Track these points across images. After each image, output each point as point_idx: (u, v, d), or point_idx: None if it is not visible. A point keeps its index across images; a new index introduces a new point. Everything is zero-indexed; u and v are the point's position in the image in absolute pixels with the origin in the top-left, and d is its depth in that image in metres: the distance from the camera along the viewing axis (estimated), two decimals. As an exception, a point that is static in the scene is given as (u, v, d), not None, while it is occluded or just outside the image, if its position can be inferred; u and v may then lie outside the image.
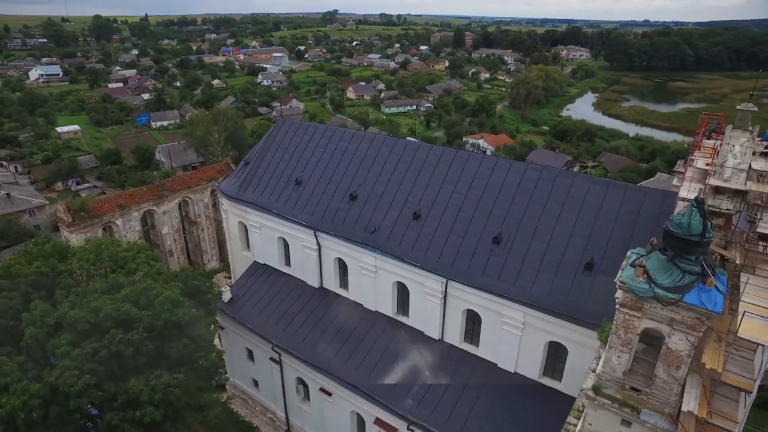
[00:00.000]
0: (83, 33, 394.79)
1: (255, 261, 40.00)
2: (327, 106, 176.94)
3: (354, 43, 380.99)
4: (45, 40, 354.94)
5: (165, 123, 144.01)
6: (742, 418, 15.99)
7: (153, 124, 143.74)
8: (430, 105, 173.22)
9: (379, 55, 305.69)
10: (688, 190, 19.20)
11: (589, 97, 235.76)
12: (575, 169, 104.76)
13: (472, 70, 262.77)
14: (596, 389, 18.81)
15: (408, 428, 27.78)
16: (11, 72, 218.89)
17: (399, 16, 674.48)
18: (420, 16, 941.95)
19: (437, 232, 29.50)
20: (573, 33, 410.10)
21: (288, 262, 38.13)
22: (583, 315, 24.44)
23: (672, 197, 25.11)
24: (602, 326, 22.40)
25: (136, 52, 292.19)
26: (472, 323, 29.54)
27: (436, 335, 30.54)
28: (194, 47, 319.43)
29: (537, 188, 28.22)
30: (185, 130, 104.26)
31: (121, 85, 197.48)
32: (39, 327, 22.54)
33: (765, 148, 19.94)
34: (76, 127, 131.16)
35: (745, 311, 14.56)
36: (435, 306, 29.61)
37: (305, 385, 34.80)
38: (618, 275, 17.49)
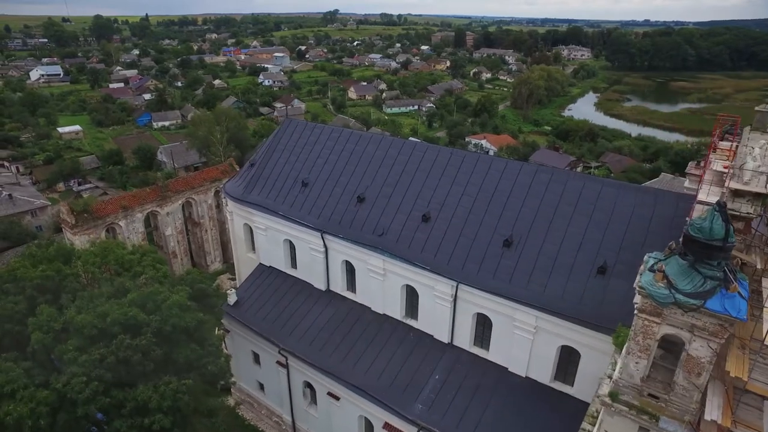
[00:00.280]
0: (84, 33, 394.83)
1: (260, 263, 39.67)
2: (329, 106, 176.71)
3: (355, 43, 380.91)
4: (46, 40, 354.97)
5: (166, 123, 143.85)
6: (767, 428, 15.66)
7: (154, 124, 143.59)
8: (431, 105, 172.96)
9: (380, 55, 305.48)
10: (707, 194, 18.87)
11: (591, 97, 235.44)
12: (578, 169, 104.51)
13: (474, 70, 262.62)
14: (613, 396, 18.48)
15: (417, 433, 27.46)
16: (12, 72, 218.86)
17: (399, 16, 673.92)
18: (420, 15, 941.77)
19: (447, 235, 29.15)
20: (574, 33, 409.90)
21: (294, 265, 37.80)
22: (596, 319, 24.11)
23: (686, 200, 24.79)
24: (617, 331, 22.10)
25: (137, 52, 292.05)
26: (482, 327, 29.21)
27: (445, 339, 30.20)
28: (195, 47, 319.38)
29: (548, 190, 27.88)
30: (187, 131, 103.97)
31: (122, 85, 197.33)
32: (45, 332, 22.24)
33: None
34: (77, 127, 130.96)
35: (770, 318, 14.22)
36: (445, 309, 29.27)
37: (312, 389, 34.48)
38: (636, 280, 17.16)
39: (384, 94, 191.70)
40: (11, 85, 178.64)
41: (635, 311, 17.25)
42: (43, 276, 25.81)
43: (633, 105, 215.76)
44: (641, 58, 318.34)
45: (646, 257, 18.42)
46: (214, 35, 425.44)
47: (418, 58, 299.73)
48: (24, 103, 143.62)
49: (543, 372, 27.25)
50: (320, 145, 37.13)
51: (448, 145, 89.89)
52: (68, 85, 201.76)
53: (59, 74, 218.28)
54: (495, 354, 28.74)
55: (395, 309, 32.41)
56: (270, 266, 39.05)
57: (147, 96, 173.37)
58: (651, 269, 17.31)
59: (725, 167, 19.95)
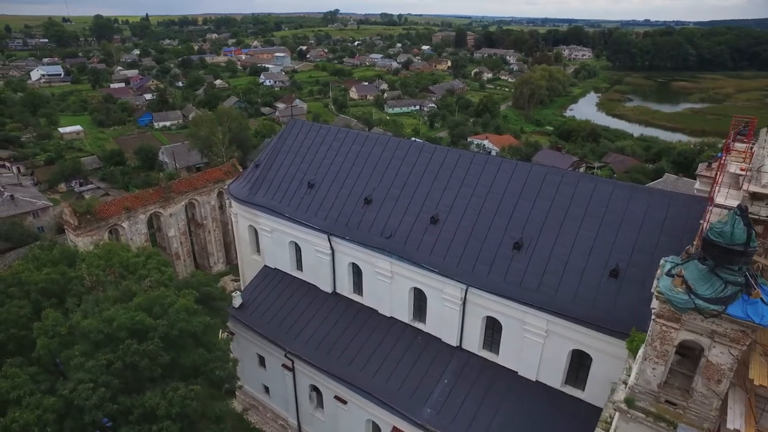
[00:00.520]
0: (84, 33, 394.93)
1: (265, 265, 39.33)
2: (330, 106, 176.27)
3: (356, 43, 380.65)
4: (46, 40, 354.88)
5: (168, 123, 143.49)
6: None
7: (155, 124, 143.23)
8: (433, 105, 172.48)
9: (381, 55, 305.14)
10: (725, 197, 18.52)
11: (592, 97, 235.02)
12: (581, 169, 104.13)
13: (475, 70, 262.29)
14: (629, 402, 18.17)
15: (426, 438, 27.15)
16: (13, 72, 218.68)
17: (400, 16, 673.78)
18: (420, 15, 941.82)
19: (456, 237, 28.82)
20: (575, 33, 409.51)
21: (300, 267, 37.48)
22: (609, 323, 23.81)
23: (699, 202, 24.46)
24: (631, 335, 21.80)
25: (138, 52, 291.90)
26: (492, 330, 28.89)
27: (454, 342, 29.87)
28: (196, 47, 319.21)
29: (558, 192, 27.56)
30: (189, 131, 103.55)
31: (123, 85, 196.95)
32: (51, 337, 21.91)
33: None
34: (78, 127, 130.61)
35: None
36: (454, 313, 28.93)
37: (318, 392, 34.17)
38: (654, 285, 16.85)
39: (385, 94, 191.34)
40: (12, 85, 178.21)
41: (653, 316, 16.93)
42: (47, 279, 25.46)
43: (635, 105, 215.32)
44: (642, 58, 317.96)
45: (662, 261, 18.10)
46: (214, 35, 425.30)
47: (419, 58, 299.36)
48: (25, 103, 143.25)
49: (554, 376, 26.93)
50: (326, 146, 36.81)
51: (451, 146, 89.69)
52: (69, 85, 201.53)
53: (60, 74, 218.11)
54: (504, 358, 28.42)
55: (403, 312, 32.08)
56: (275, 268, 38.72)
57: (148, 96, 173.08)
58: (669, 274, 16.99)
59: (742, 169, 19.59)
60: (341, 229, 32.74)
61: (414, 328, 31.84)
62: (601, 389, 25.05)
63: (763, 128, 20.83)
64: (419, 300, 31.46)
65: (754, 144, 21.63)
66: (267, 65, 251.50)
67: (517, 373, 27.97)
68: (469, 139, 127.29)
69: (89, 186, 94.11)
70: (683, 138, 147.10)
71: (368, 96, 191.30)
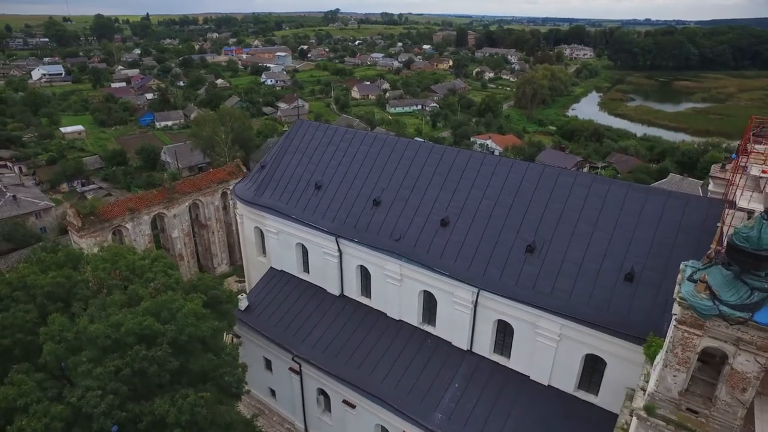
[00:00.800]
0: (85, 32, 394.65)
1: (272, 267, 38.95)
2: (332, 105, 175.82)
3: (357, 42, 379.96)
4: (47, 39, 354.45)
5: (169, 123, 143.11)
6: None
7: (157, 124, 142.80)
8: (435, 105, 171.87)
9: (383, 55, 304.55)
10: (748, 200, 18.16)
11: (594, 97, 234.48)
12: (585, 169, 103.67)
13: (476, 70, 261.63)
14: (649, 410, 17.78)
15: (437, 443, 26.75)
16: (14, 72, 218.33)
17: (400, 15, 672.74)
18: (421, 15, 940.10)
19: (467, 240, 28.41)
20: (576, 32, 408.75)
21: (307, 269, 37.09)
22: (624, 327, 23.42)
23: (716, 205, 24.08)
24: (648, 341, 21.38)
25: (139, 52, 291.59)
26: (503, 334, 28.50)
27: (464, 346, 29.47)
28: (196, 47, 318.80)
29: (572, 194, 27.17)
30: (191, 131, 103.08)
31: (124, 84, 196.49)
32: (57, 342, 21.50)
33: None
34: (80, 127, 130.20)
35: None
36: (464, 316, 28.54)
37: (326, 396, 33.78)
38: (676, 290, 16.45)
39: (387, 94, 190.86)
40: (13, 85, 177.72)
41: (674, 322, 16.53)
42: (53, 283, 25.02)
43: (637, 104, 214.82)
44: (644, 57, 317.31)
45: (682, 266, 17.69)
46: (215, 35, 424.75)
47: (420, 57, 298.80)
48: (26, 103, 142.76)
49: (566, 380, 26.55)
50: (333, 146, 36.40)
51: (454, 145, 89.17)
52: (70, 85, 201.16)
53: (61, 74, 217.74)
54: (516, 362, 28.04)
55: (412, 315, 31.69)
56: (281, 270, 38.32)
57: (149, 95, 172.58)
58: (691, 279, 16.58)
59: (764, 172, 19.23)
60: (349, 231, 32.34)
61: (423, 331, 31.46)
62: (615, 394, 24.69)
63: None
64: (429, 303, 31.06)
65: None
66: (268, 65, 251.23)
67: (528, 377, 27.60)
68: (472, 139, 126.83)
69: (91, 186, 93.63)
70: (686, 138, 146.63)
71: (370, 95, 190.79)
